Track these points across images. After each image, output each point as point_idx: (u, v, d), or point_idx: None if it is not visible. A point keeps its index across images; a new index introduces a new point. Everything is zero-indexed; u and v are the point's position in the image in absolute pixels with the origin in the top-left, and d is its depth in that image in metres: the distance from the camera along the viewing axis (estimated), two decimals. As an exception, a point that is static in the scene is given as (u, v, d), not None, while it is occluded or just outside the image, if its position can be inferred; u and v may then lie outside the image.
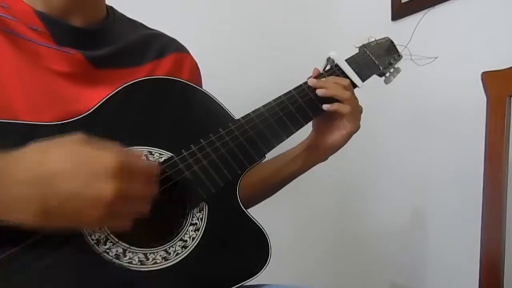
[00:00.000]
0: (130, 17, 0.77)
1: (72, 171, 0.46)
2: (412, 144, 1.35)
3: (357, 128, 0.76)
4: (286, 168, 0.81)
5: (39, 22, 0.63)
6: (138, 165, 0.51)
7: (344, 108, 0.74)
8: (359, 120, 0.77)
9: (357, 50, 0.85)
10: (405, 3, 1.36)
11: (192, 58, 0.80)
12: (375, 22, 1.44)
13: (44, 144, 0.49)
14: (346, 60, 0.81)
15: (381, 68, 0.85)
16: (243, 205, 0.64)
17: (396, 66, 0.87)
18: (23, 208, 0.46)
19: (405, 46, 0.87)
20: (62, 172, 0.46)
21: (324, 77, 0.77)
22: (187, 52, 0.79)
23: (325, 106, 0.74)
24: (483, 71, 0.88)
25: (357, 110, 0.76)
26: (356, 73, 0.80)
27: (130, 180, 0.48)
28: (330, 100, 0.75)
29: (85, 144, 0.49)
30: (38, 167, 0.46)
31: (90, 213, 0.47)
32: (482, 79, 0.88)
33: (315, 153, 0.79)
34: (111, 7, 0.74)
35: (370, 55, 0.84)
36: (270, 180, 0.82)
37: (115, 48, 0.69)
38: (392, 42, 0.89)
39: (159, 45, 0.75)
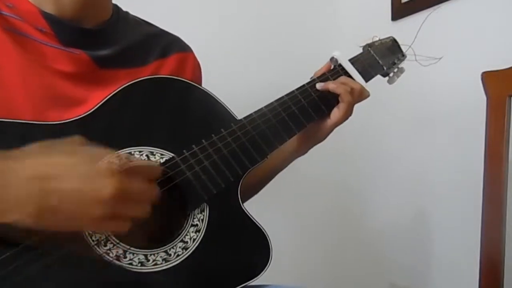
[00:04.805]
0: (133, 14, 0.77)
1: (72, 170, 0.47)
2: (412, 144, 1.35)
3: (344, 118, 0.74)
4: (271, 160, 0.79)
5: (44, 23, 0.63)
6: (139, 166, 0.51)
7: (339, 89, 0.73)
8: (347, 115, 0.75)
9: (359, 50, 0.84)
10: (405, 3, 1.36)
11: (195, 57, 0.79)
12: (376, 22, 1.43)
13: (47, 144, 0.49)
14: (350, 60, 0.80)
15: (385, 68, 0.84)
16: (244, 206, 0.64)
17: (400, 66, 0.86)
18: (22, 205, 0.45)
19: (410, 46, 0.86)
20: (62, 171, 0.46)
21: (327, 76, 0.77)
22: (190, 51, 0.79)
23: (319, 85, 0.74)
24: (483, 71, 0.88)
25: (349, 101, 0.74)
26: (360, 73, 0.78)
27: (131, 180, 0.48)
28: (332, 101, 0.75)
29: (85, 145, 0.49)
30: (40, 166, 0.46)
31: (88, 212, 0.47)
32: (482, 79, 0.88)
33: (298, 141, 0.78)
34: (116, 6, 0.74)
35: (374, 55, 0.83)
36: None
37: (120, 48, 0.68)
38: (396, 41, 0.88)
39: (163, 44, 0.75)
